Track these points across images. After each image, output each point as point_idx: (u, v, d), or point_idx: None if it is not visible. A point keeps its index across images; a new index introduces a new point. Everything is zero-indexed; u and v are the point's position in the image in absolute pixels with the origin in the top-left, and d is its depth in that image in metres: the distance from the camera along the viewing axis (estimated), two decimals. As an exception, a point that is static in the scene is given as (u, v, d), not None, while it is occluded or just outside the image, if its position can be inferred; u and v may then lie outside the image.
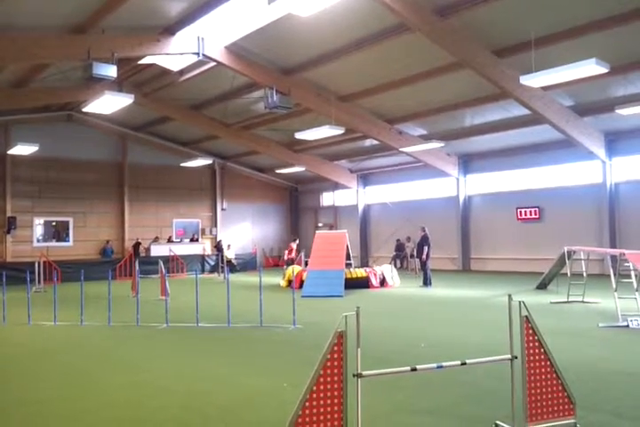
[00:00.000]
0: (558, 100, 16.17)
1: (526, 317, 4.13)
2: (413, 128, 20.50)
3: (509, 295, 4.11)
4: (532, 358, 4.16)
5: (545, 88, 14.57)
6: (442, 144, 19.42)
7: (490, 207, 22.20)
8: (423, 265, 16.28)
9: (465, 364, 4.04)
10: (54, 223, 24.01)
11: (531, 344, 4.16)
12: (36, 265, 17.18)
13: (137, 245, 24.13)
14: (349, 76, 16.67)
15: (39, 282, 16.91)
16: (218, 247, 23.86)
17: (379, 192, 26.83)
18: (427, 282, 15.90)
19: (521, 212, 20.96)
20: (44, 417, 4.79)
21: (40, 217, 23.41)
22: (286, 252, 22.55)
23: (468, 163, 22.89)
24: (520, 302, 4.04)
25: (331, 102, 17.75)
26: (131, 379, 6.07)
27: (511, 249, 21.19)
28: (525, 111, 16.49)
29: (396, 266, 21.33)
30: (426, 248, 15.97)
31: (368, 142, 22.71)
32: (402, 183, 25.60)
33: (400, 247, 23.73)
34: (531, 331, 4.16)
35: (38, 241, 23.34)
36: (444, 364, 3.97)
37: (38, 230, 23.54)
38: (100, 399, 5.29)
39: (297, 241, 23.09)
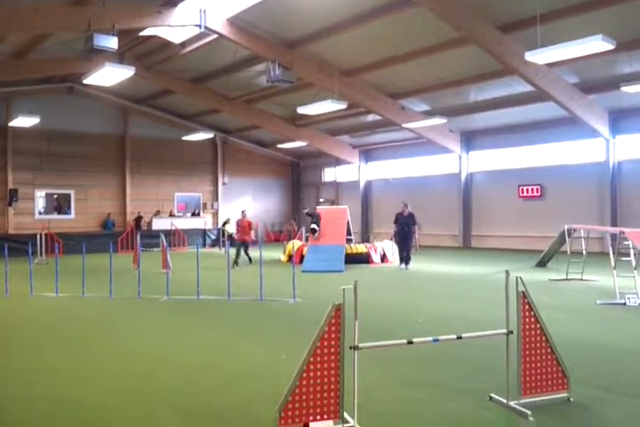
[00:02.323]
0: (563, 77, 15.99)
1: (523, 292, 4.18)
2: (416, 104, 20.34)
3: (507, 271, 4.14)
4: (527, 333, 4.22)
5: (550, 65, 14.38)
6: (445, 120, 19.28)
7: (492, 185, 22.16)
8: (408, 246, 14.82)
9: (461, 338, 4.10)
10: (56, 196, 24.04)
11: (527, 319, 4.21)
12: (38, 237, 17.29)
13: (138, 218, 24.22)
14: (353, 50, 16.46)
15: (41, 254, 17.04)
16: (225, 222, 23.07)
17: (381, 168, 26.75)
18: (408, 262, 14.67)
19: (523, 189, 20.93)
20: (46, 386, 4.89)
21: (41, 189, 23.43)
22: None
23: (470, 139, 22.76)
24: (517, 277, 4.08)
25: (333, 77, 17.56)
26: (132, 350, 6.16)
27: (512, 227, 21.22)
28: (529, 88, 16.32)
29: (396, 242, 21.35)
30: (415, 228, 15.11)
31: (370, 118, 22.56)
32: (404, 159, 25.52)
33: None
34: (527, 306, 4.21)
35: (40, 214, 23.41)
36: (440, 337, 4.03)
37: (40, 203, 23.59)
38: (100, 369, 5.39)
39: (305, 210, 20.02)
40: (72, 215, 24.05)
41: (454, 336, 4.09)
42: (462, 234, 22.84)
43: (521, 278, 4.09)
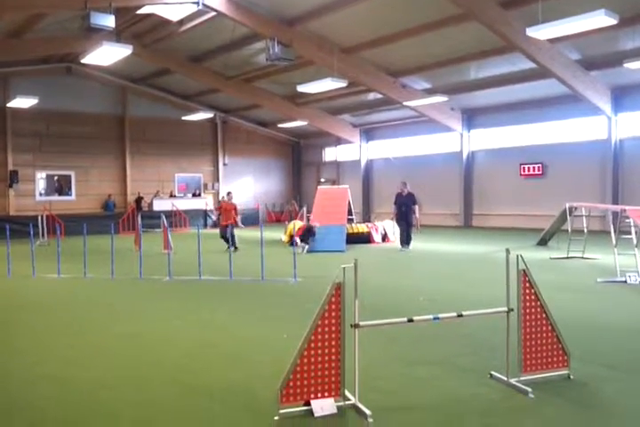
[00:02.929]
0: (565, 53, 15.79)
1: (524, 270, 4.17)
2: (417, 81, 20.13)
3: (507, 249, 4.13)
4: (527, 310, 4.22)
5: (552, 41, 14.19)
6: (446, 98, 19.11)
7: (493, 163, 22.06)
8: (409, 227, 14.21)
9: (461, 316, 4.11)
10: (56, 177, 23.99)
11: (527, 297, 4.21)
12: (40, 219, 17.31)
13: (139, 199, 24.22)
14: (353, 27, 16.23)
15: (43, 236, 17.08)
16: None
17: (382, 147, 26.62)
18: (409, 242, 14.21)
19: (524, 168, 20.84)
20: (47, 366, 4.93)
21: (42, 171, 23.38)
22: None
23: (472, 118, 22.59)
24: (518, 255, 4.07)
25: (333, 54, 17.35)
26: (133, 330, 6.20)
27: (513, 205, 21.19)
28: (531, 65, 16.12)
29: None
30: (415, 207, 14.17)
31: (371, 96, 22.36)
32: (405, 138, 25.37)
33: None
34: (527, 284, 4.21)
35: (41, 195, 23.39)
36: (441, 315, 4.04)
37: (40, 184, 23.55)
38: (102, 349, 5.43)
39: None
40: (73, 197, 24.03)
41: (455, 314, 4.10)
42: (463, 213, 22.82)
43: (522, 257, 4.08)
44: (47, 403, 4.04)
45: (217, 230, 21.28)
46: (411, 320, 3.94)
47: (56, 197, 23.61)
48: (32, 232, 11.21)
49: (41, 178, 23.53)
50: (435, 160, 23.93)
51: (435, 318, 3.98)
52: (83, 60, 15.53)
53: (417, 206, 14.20)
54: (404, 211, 14.16)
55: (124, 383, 4.42)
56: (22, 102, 19.88)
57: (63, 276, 10.23)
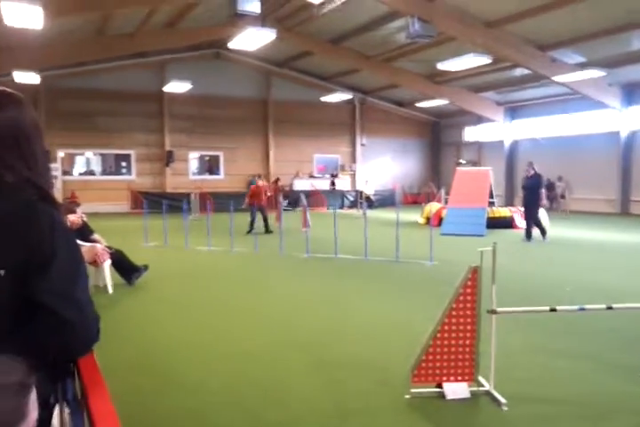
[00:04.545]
0: None
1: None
2: (569, 55, 18.59)
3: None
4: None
5: None
6: (603, 73, 17.47)
7: (657, 143, 19.90)
8: (535, 214, 12.68)
9: (611, 308, 3.81)
10: (208, 158, 25.76)
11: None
12: (192, 196, 18.72)
13: (276, 180, 25.29)
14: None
15: (195, 212, 18.46)
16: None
17: (528, 126, 25.09)
18: (531, 234, 12.57)
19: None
20: (189, 331, 5.35)
21: (194, 151, 25.17)
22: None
23: (632, 93, 20.44)
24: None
25: (476, 29, 16.58)
26: (272, 302, 6.53)
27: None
28: None
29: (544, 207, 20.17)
30: (543, 192, 12.68)
31: (518, 72, 21.08)
32: (554, 116, 23.66)
33: (550, 187, 22.42)
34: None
35: (193, 174, 25.25)
36: (587, 306, 3.78)
37: (193, 164, 25.42)
38: (241, 318, 5.79)
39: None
40: (221, 176, 25.63)
41: (604, 306, 3.81)
42: (620, 199, 20.88)
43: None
44: (186, 367, 4.37)
45: (353, 211, 21.60)
46: (554, 309, 3.73)
47: (207, 176, 25.38)
48: (185, 208, 12.19)
49: (193, 158, 25.37)
50: (588, 141, 22.06)
51: (580, 309, 3.73)
52: (230, 46, 16.33)
53: (543, 191, 12.62)
54: (526, 195, 12.74)
55: (261, 350, 4.70)
56: (177, 87, 21.52)
57: (213, 248, 11.01)
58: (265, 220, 13.99)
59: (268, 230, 13.89)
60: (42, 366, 1.49)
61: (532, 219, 12.65)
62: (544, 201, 12.59)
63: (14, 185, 1.42)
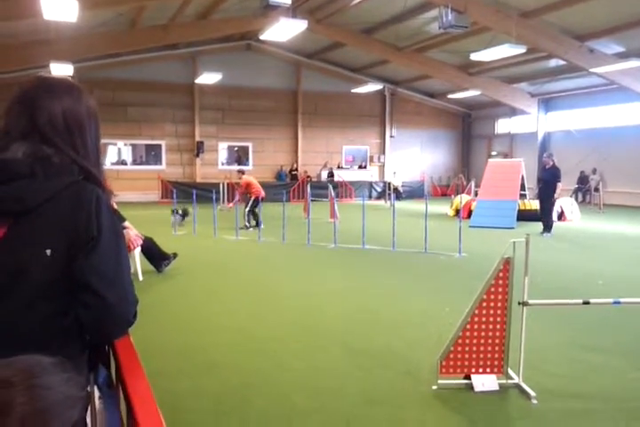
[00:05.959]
0: None
1: None
2: (608, 45, 18.08)
3: None
4: None
5: None
6: (643, 63, 16.96)
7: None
8: (548, 207, 12.24)
9: (647, 302, 3.71)
10: (236, 148, 25.88)
11: None
12: (221, 186, 18.86)
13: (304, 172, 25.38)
14: (535, -13, 15.00)
15: (223, 201, 18.61)
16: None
17: (562, 118, 24.54)
18: (549, 228, 12.16)
19: None
20: (223, 316, 5.41)
21: (223, 142, 25.31)
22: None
23: (673, 84, 19.84)
24: None
25: (511, 19, 16.22)
26: (301, 291, 6.55)
27: None
28: None
29: (577, 199, 19.81)
30: (559, 185, 11.91)
31: (553, 62, 20.61)
32: (590, 108, 23.08)
33: (583, 180, 21.97)
34: None
35: (222, 164, 25.40)
36: (622, 300, 3.69)
37: (222, 155, 25.57)
38: (274, 306, 5.83)
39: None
40: (250, 166, 25.73)
41: (639, 300, 3.71)
42: (656, 192, 20.36)
43: None
44: (221, 349, 4.48)
45: (380, 202, 21.54)
46: (587, 302, 3.65)
47: (236, 167, 25.46)
48: (214, 198, 12.29)
49: (222, 148, 25.52)
50: (624, 133, 21.47)
51: (615, 302, 3.64)
52: (261, 37, 16.33)
53: (559, 183, 11.90)
54: (542, 188, 12.33)
55: (292, 337, 4.75)
56: (208, 78, 21.62)
57: (240, 238, 11.09)
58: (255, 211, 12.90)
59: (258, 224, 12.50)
60: (84, 349, 1.50)
61: (546, 212, 12.19)
62: (557, 195, 12.01)
63: (60, 166, 1.43)
